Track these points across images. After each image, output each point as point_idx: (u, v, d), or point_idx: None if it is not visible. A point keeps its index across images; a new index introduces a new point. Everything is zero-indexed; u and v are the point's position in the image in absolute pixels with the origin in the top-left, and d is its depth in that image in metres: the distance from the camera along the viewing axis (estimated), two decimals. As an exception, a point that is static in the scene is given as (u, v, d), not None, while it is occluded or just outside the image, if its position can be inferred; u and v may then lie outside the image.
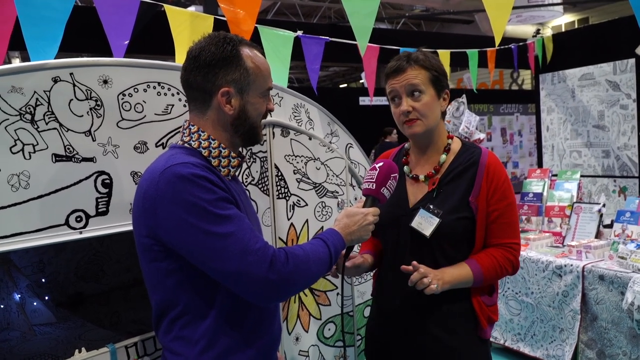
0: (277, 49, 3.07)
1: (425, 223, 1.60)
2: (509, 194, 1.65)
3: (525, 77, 14.25)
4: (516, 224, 1.68)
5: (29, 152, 1.40)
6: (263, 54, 1.42)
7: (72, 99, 1.48)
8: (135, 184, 1.57)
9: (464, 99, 3.89)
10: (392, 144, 8.86)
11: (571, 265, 3.11)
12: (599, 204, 3.47)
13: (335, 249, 1.38)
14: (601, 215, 3.43)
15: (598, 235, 3.41)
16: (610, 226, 3.36)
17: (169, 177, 1.21)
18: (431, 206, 1.61)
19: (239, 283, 1.21)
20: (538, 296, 3.31)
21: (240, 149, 1.44)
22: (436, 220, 1.59)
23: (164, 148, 1.65)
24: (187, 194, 1.19)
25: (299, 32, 3.24)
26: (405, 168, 1.75)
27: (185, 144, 1.34)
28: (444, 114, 1.71)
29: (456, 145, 1.73)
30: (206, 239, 1.19)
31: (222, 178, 1.31)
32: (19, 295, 2.43)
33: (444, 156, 1.69)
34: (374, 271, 1.86)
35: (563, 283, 3.15)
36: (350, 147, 2.37)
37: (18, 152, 1.38)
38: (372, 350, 1.81)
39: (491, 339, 1.75)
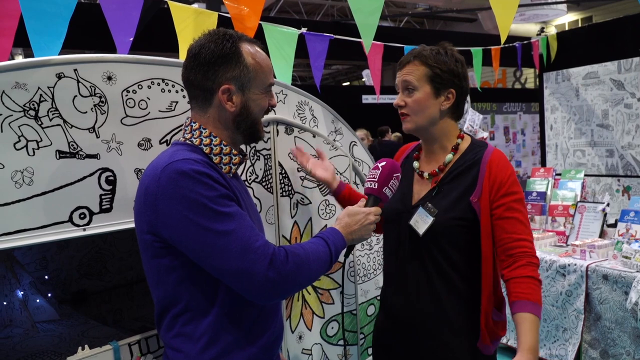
0: (281, 47, 3.06)
1: (421, 222, 1.58)
2: (516, 189, 1.57)
3: (528, 76, 14.21)
4: (527, 220, 1.58)
5: (33, 149, 1.39)
6: (264, 49, 1.41)
7: (76, 95, 1.47)
8: (139, 180, 1.57)
9: (467, 97, 3.87)
10: (392, 142, 8.82)
11: (575, 264, 3.10)
12: (603, 203, 3.45)
13: (336, 248, 1.38)
14: (605, 215, 3.42)
15: (602, 234, 3.39)
16: (614, 225, 3.35)
17: (170, 173, 1.20)
18: (429, 204, 1.59)
19: (238, 281, 1.21)
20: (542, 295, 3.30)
21: (242, 147, 1.44)
22: (430, 219, 1.56)
23: (168, 145, 1.64)
24: (188, 191, 1.18)
25: (303, 30, 3.23)
26: (415, 163, 1.74)
27: (187, 141, 1.34)
28: (453, 113, 1.67)
29: (465, 144, 1.68)
30: (206, 235, 1.19)
31: (224, 175, 1.31)
32: (22, 292, 2.43)
33: (450, 155, 1.66)
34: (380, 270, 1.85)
35: (567, 282, 3.14)
36: (354, 145, 2.36)
37: (22, 148, 1.37)
38: (377, 351, 1.80)
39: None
